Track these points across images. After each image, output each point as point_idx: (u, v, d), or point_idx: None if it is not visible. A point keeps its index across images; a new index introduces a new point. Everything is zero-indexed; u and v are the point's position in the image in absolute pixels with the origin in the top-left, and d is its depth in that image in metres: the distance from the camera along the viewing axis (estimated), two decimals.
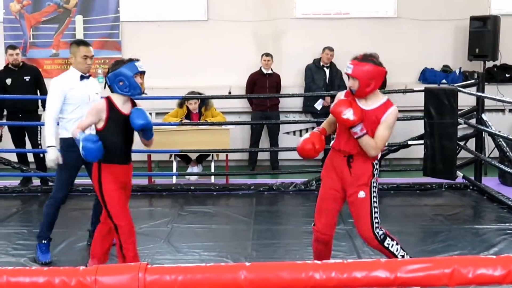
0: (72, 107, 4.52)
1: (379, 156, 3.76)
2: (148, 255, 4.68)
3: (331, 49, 8.27)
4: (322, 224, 3.78)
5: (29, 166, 7.34)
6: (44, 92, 7.20)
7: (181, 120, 7.27)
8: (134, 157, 7.96)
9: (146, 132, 3.92)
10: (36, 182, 7.31)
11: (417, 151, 7.09)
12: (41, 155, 7.18)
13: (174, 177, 7.35)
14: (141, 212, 5.97)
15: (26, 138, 7.30)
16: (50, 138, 4.46)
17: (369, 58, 3.56)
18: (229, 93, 8.45)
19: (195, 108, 7.40)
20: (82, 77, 4.58)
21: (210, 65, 8.76)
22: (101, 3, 8.87)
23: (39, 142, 7.16)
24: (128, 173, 4.04)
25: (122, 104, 3.87)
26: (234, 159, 8.42)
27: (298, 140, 3.80)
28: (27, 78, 7.16)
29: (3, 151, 7.52)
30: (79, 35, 8.86)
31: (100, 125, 3.84)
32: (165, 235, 5.20)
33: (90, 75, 4.66)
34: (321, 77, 8.31)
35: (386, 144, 3.69)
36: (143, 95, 4.09)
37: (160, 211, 6.18)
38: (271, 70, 8.27)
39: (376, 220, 3.67)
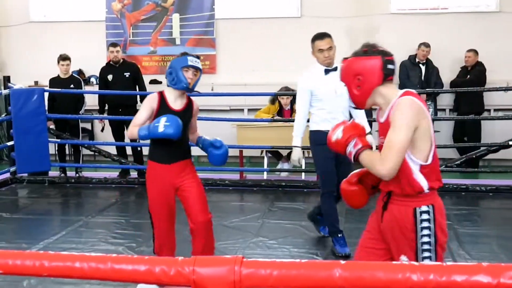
0: (319, 102, 4.52)
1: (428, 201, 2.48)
2: (239, 249, 4.75)
3: (427, 45, 8.03)
4: None
5: (128, 159, 7.64)
6: (142, 88, 7.50)
7: (273, 116, 7.31)
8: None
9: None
10: (134, 174, 7.60)
11: None
12: (139, 149, 7.48)
13: (265, 172, 7.41)
14: (232, 206, 6.07)
15: (125, 132, 7.61)
16: (296, 139, 4.60)
17: (355, 52, 2.61)
18: None
19: (287, 103, 7.42)
20: (327, 71, 4.56)
21: (303, 61, 8.70)
22: (197, 1, 9.09)
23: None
24: (177, 173, 3.79)
25: (174, 99, 3.77)
26: None
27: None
28: (126, 74, 7.46)
29: (104, 144, 7.89)
30: (176, 33, 9.14)
31: (152, 119, 3.74)
32: (256, 230, 5.25)
33: (336, 67, 4.48)
34: (416, 74, 8.09)
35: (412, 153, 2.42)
36: (195, 92, 3.85)
37: (251, 206, 6.25)
38: None
39: None
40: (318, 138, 4.45)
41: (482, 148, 6.98)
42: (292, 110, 7.43)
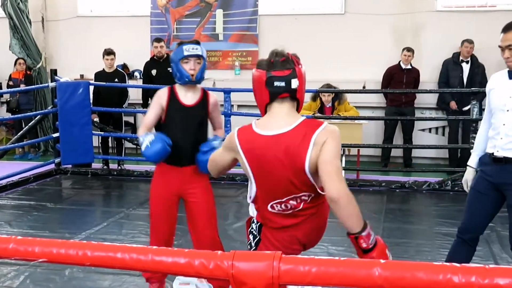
0: (489, 113, 3.41)
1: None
2: None
3: (470, 42, 7.81)
4: None
5: None
6: None
7: (314, 113, 7.28)
8: None
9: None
10: None
11: None
12: None
13: None
14: None
15: None
16: (471, 155, 3.54)
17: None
18: (363, 87, 8.33)
19: (328, 100, 7.38)
20: (511, 74, 3.28)
21: (346, 58, 8.69)
22: None
23: None
24: (187, 178, 3.39)
25: (185, 93, 3.38)
26: (366, 155, 8.30)
27: None
28: (170, 69, 7.51)
29: None
30: (219, 29, 9.18)
31: (163, 116, 3.40)
32: None
33: None
34: (457, 74, 7.86)
35: None
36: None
37: None
38: (411, 65, 8.03)
39: None
40: (482, 163, 3.45)
41: None
42: (334, 108, 7.38)
